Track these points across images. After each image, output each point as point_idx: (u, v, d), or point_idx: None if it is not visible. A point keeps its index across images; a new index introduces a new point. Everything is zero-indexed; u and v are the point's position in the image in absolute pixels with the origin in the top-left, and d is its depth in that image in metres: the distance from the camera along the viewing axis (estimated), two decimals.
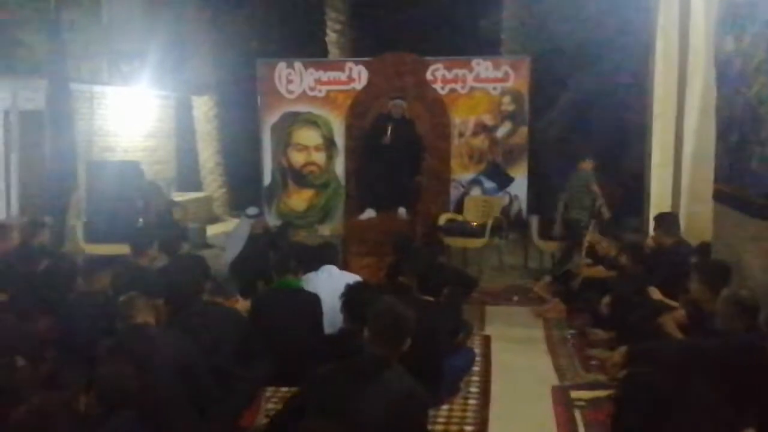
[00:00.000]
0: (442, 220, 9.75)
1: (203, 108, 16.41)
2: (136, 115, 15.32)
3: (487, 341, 6.83)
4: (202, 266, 7.46)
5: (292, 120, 10.70)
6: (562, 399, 5.44)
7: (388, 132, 9.11)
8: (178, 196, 14.83)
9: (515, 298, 8.45)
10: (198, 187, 16.31)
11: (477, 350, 6.49)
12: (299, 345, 5.44)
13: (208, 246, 11.52)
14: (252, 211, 8.79)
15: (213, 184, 16.08)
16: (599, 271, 7.59)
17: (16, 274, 7.30)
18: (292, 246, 7.72)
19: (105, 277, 5.86)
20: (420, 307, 5.18)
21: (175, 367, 4.23)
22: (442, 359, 5.21)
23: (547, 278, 8.64)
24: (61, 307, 5.63)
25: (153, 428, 3.60)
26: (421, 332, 5.16)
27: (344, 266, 8.79)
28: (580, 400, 5.38)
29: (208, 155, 16.22)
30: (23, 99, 11.36)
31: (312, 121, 10.66)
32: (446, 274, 5.70)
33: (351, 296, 4.95)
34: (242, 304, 5.45)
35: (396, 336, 3.57)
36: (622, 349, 4.66)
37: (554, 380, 5.84)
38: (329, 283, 6.12)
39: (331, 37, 14.41)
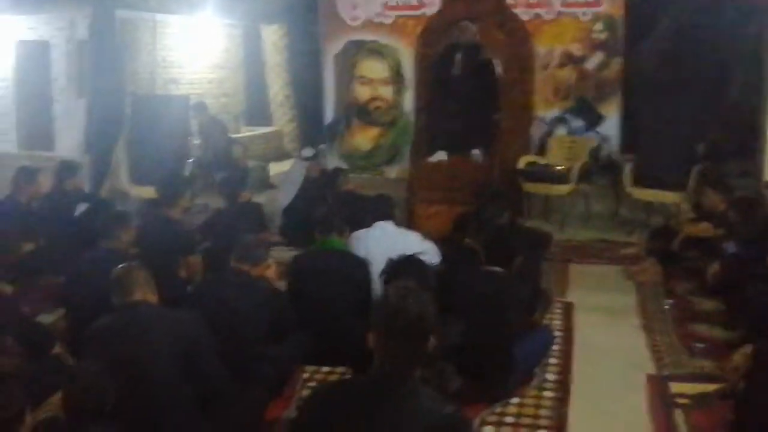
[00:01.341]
0: (523, 163, 8.69)
1: (272, 37, 15.63)
2: (201, 45, 14.72)
3: (569, 311, 5.83)
4: (257, 216, 6.70)
5: (357, 50, 9.67)
6: (659, 393, 4.45)
7: (457, 62, 8.06)
8: (247, 131, 14.46)
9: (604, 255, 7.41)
10: (267, 121, 15.64)
11: (557, 322, 5.56)
12: (342, 318, 4.58)
13: (270, 186, 10.72)
14: (307, 152, 7.93)
15: (283, 118, 15.31)
16: (705, 228, 6.45)
17: (45, 221, 6.68)
18: (340, 197, 6.80)
19: (127, 233, 5.08)
20: (486, 280, 4.29)
21: (175, 356, 3.41)
22: (513, 344, 4.28)
23: (641, 233, 7.59)
24: (69, 269, 4.89)
25: None
26: (488, 312, 4.29)
27: (410, 215, 8.06)
28: (682, 395, 4.39)
29: (277, 88, 15.44)
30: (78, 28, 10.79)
31: (378, 52, 9.61)
32: (518, 239, 4.68)
33: (392, 275, 4.03)
34: (273, 270, 4.56)
35: (414, 341, 2.44)
36: (746, 349, 3.63)
37: (650, 367, 4.83)
38: (383, 243, 5.23)
39: None
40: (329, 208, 5.93)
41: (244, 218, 6.40)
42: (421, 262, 4.23)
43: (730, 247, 5.63)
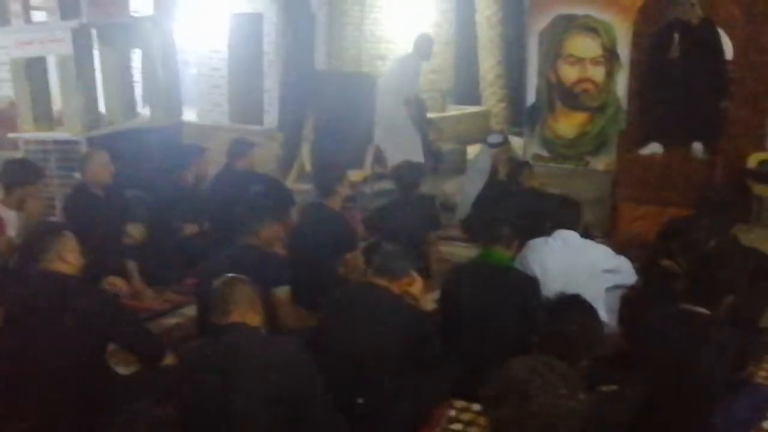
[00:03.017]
0: (754, 161, 7.35)
1: (486, 12, 14.88)
2: (411, 19, 14.23)
3: None
4: (431, 212, 6.00)
5: (566, 25, 8.58)
6: None
7: (676, 42, 6.95)
8: (454, 110, 13.94)
9: None
10: (477, 100, 14.97)
11: None
12: (498, 348, 3.77)
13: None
14: (495, 138, 7.08)
15: (492, 98, 14.58)
16: None
17: (211, 203, 6.35)
18: (521, 196, 5.90)
19: (267, 228, 4.50)
20: (682, 323, 3.32)
21: (271, 401, 2.78)
22: (715, 409, 3.29)
23: None
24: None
25: None
26: (681, 367, 3.32)
27: (614, 214, 7.10)
28: None
29: (489, 66, 14.70)
30: None
31: (591, 27, 8.49)
32: (734, 269, 3.59)
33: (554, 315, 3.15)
34: (419, 285, 3.83)
35: None
36: None
37: None
38: (563, 258, 4.38)
39: None
40: (502, 209, 5.10)
41: (416, 213, 5.69)
42: (588, 314, 3.24)
43: None
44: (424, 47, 8.82)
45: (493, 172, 6.96)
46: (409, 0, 13.85)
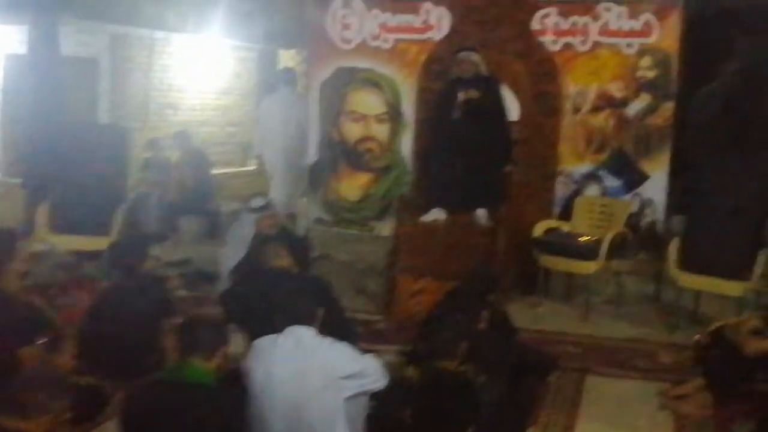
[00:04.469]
0: (540, 229, 6.92)
1: (291, 63, 14.40)
2: (207, 68, 13.47)
3: None
4: (157, 299, 4.96)
5: (348, 79, 7.93)
6: None
7: (459, 101, 6.45)
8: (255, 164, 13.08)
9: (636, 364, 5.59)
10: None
11: None
12: None
13: None
14: (257, 202, 6.20)
15: None
16: None
17: None
18: (261, 276, 4.97)
19: None
20: None
21: None
22: None
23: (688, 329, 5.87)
24: None
25: None
26: None
27: (390, 288, 6.38)
28: None
29: None
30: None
31: (374, 82, 7.85)
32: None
33: None
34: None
35: None
36: None
37: None
38: (293, 361, 3.53)
39: None
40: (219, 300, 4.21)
41: (141, 299, 4.68)
42: None
43: None
44: None
45: (257, 239, 6.08)
46: (204, 46, 13.03)
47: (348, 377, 3.61)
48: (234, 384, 3.44)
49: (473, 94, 6.45)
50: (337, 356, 3.64)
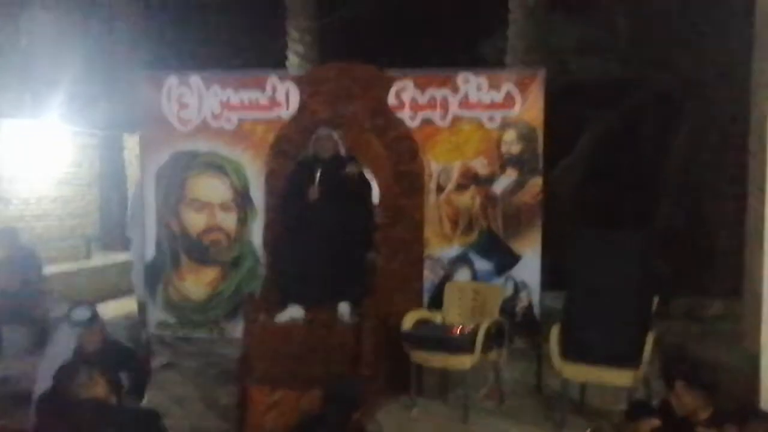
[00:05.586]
0: (410, 321, 6.25)
1: (136, 151, 13.50)
2: (44, 156, 12.42)
3: None
4: None
5: (188, 163, 7.22)
6: None
7: (315, 182, 5.93)
8: (101, 259, 12.59)
9: None
10: (128, 245, 13.39)
11: None
12: None
13: None
14: (80, 314, 5.22)
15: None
16: None
17: None
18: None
19: None
20: None
21: None
22: None
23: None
24: None
25: None
26: None
27: (242, 403, 5.55)
28: None
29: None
30: None
31: (217, 166, 7.15)
32: None
33: None
34: None
35: None
36: None
37: None
38: None
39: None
40: None
41: None
42: None
43: None
44: None
45: (79, 355, 5.09)
46: (39, 134, 12.01)
47: None
48: None
49: (331, 173, 5.86)
50: None
